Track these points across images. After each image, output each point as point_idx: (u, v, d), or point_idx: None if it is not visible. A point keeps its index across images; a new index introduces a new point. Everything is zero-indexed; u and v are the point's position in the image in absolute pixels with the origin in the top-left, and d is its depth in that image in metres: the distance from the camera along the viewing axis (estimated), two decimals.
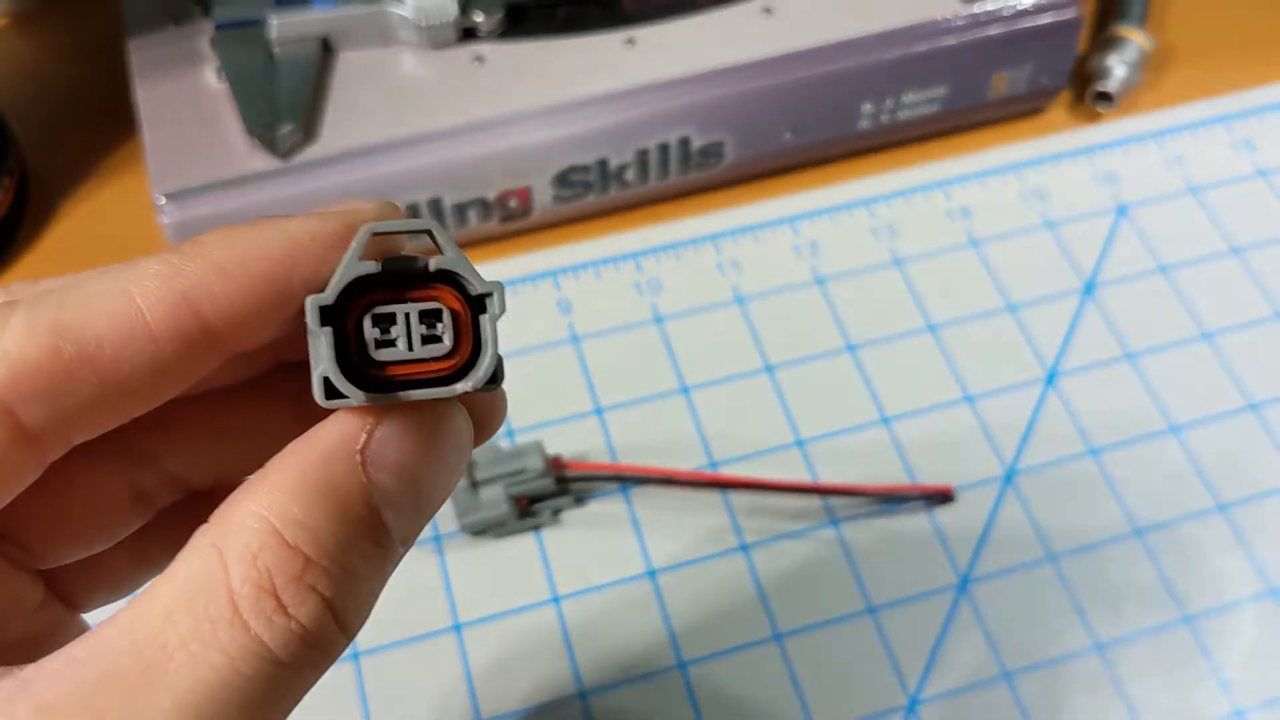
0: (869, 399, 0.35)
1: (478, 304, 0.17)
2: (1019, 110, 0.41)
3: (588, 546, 0.32)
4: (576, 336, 0.36)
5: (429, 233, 0.16)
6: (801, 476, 0.33)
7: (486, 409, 0.19)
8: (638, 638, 0.31)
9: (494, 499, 0.32)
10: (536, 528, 0.33)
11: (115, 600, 0.22)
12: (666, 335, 0.36)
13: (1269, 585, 0.32)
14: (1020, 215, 0.39)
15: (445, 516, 0.33)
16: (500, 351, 0.17)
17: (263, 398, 0.21)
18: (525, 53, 0.37)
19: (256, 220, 0.17)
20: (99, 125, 0.41)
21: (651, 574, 0.32)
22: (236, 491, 0.16)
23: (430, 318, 0.16)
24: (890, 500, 0.33)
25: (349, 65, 0.37)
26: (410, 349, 0.16)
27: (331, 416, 0.17)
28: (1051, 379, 0.35)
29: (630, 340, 0.36)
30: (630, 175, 0.38)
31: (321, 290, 0.16)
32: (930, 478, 0.33)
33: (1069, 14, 0.38)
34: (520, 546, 0.32)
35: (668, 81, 0.36)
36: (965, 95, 0.39)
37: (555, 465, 0.33)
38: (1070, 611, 0.31)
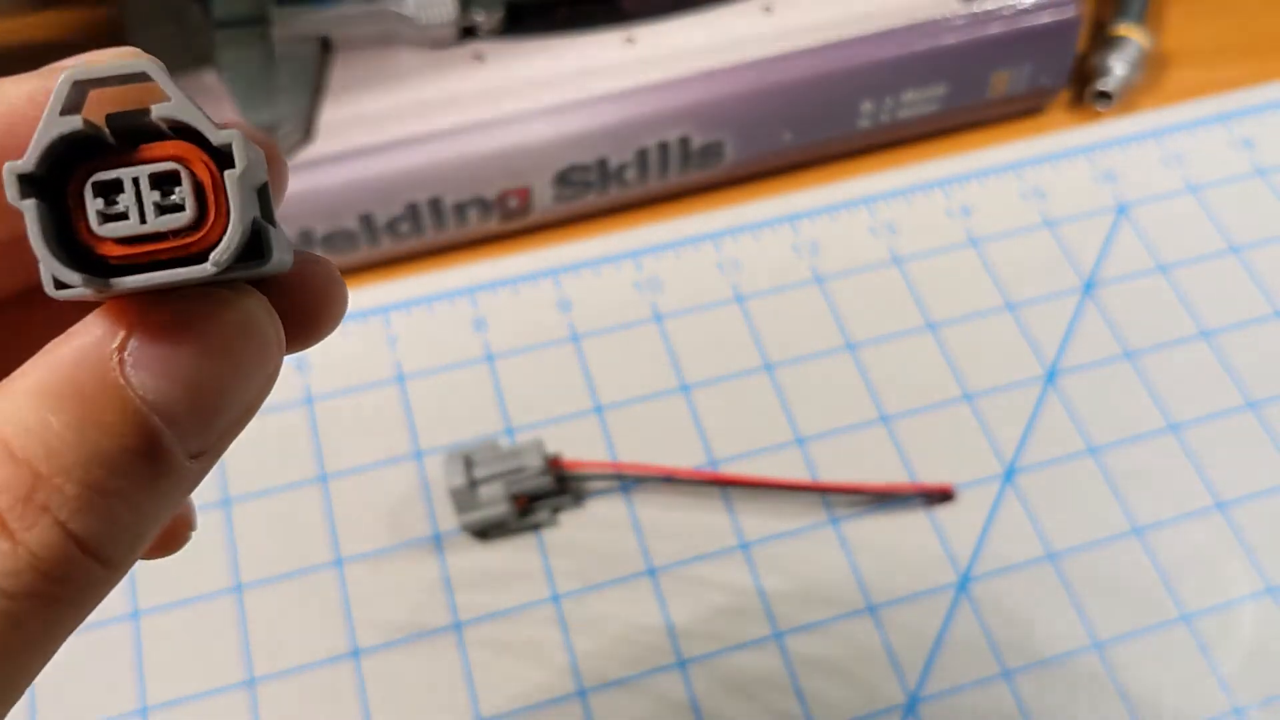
0: (868, 397, 0.35)
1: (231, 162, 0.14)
2: (1018, 109, 0.41)
3: (588, 545, 0.32)
4: (576, 335, 0.36)
5: (145, 75, 0.13)
6: (801, 475, 0.33)
7: (317, 296, 0.16)
8: (637, 636, 0.31)
9: (493, 498, 0.32)
10: (536, 526, 0.33)
11: None
12: (666, 333, 0.36)
13: (1268, 584, 0.32)
14: (1020, 214, 0.39)
15: (445, 516, 0.33)
16: (276, 224, 0.14)
17: (57, 308, 0.17)
18: (525, 51, 0.37)
19: None
20: None
21: (651, 572, 0.32)
22: None
23: (169, 182, 0.13)
24: (890, 499, 0.33)
25: (349, 64, 0.37)
26: (143, 221, 0.13)
27: (93, 313, 0.14)
28: (1051, 377, 0.35)
29: (630, 338, 0.36)
30: (630, 174, 0.38)
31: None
32: (930, 476, 0.33)
33: (1068, 13, 0.38)
34: (520, 545, 0.32)
35: (667, 81, 0.36)
36: (965, 94, 0.39)
37: (555, 464, 0.33)
38: (1070, 610, 0.31)
